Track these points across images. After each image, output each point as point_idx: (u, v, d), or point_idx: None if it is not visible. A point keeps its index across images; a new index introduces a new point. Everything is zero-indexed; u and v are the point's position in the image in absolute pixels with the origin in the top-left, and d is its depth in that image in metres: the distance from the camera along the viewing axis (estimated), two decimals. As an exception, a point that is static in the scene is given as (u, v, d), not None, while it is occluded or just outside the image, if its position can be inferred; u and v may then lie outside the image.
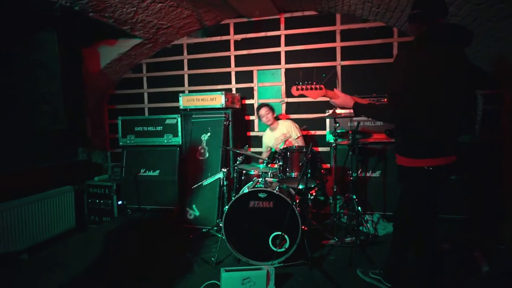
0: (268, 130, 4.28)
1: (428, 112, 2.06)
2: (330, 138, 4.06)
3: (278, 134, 4.15)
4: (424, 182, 2.17)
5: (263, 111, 4.09)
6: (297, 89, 2.36)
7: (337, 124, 3.52)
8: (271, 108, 4.13)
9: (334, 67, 4.43)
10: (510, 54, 3.26)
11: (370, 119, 3.84)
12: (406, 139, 2.20)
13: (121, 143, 4.82)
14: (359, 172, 3.91)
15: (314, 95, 2.34)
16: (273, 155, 4.14)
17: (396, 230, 2.52)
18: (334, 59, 4.44)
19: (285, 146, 3.93)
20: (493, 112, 3.63)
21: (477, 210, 3.60)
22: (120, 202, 4.63)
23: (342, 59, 4.42)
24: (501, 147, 3.63)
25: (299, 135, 4.12)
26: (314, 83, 2.34)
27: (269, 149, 4.33)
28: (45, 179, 4.17)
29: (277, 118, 4.26)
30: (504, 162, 3.63)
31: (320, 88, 2.34)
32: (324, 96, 2.36)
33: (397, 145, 2.31)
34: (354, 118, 3.77)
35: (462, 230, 3.46)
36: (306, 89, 2.34)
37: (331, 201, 3.86)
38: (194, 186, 3.93)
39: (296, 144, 4.01)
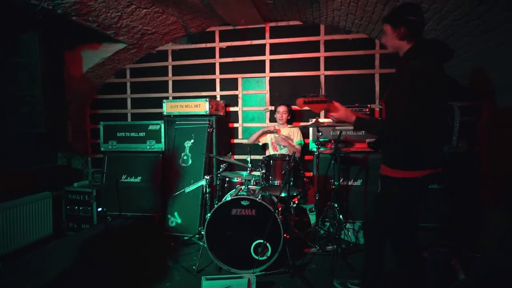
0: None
1: (431, 125, 2.04)
2: (313, 147, 4.10)
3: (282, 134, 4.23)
4: (414, 189, 2.15)
5: (282, 108, 4.20)
6: (305, 102, 2.21)
7: (320, 133, 3.57)
8: (290, 111, 4.25)
9: (318, 77, 4.50)
10: (485, 69, 3.38)
11: (353, 128, 3.88)
12: (404, 152, 2.12)
13: (102, 149, 4.73)
14: (341, 180, 3.95)
15: (318, 108, 2.23)
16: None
17: (373, 238, 2.40)
18: (318, 68, 4.51)
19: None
20: (469, 124, 3.75)
21: (454, 219, 3.69)
22: (100, 209, 4.52)
23: (325, 69, 4.50)
24: (478, 158, 3.76)
25: (299, 142, 4.18)
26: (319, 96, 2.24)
27: (266, 140, 4.34)
28: (22, 184, 4.05)
29: (289, 122, 4.36)
30: (480, 173, 3.75)
31: (325, 101, 2.22)
32: (326, 109, 2.24)
33: (389, 157, 2.23)
34: (336, 128, 3.82)
35: (439, 239, 3.53)
36: (313, 102, 2.21)
37: (313, 209, 3.88)
38: (176, 193, 3.89)
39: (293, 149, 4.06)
